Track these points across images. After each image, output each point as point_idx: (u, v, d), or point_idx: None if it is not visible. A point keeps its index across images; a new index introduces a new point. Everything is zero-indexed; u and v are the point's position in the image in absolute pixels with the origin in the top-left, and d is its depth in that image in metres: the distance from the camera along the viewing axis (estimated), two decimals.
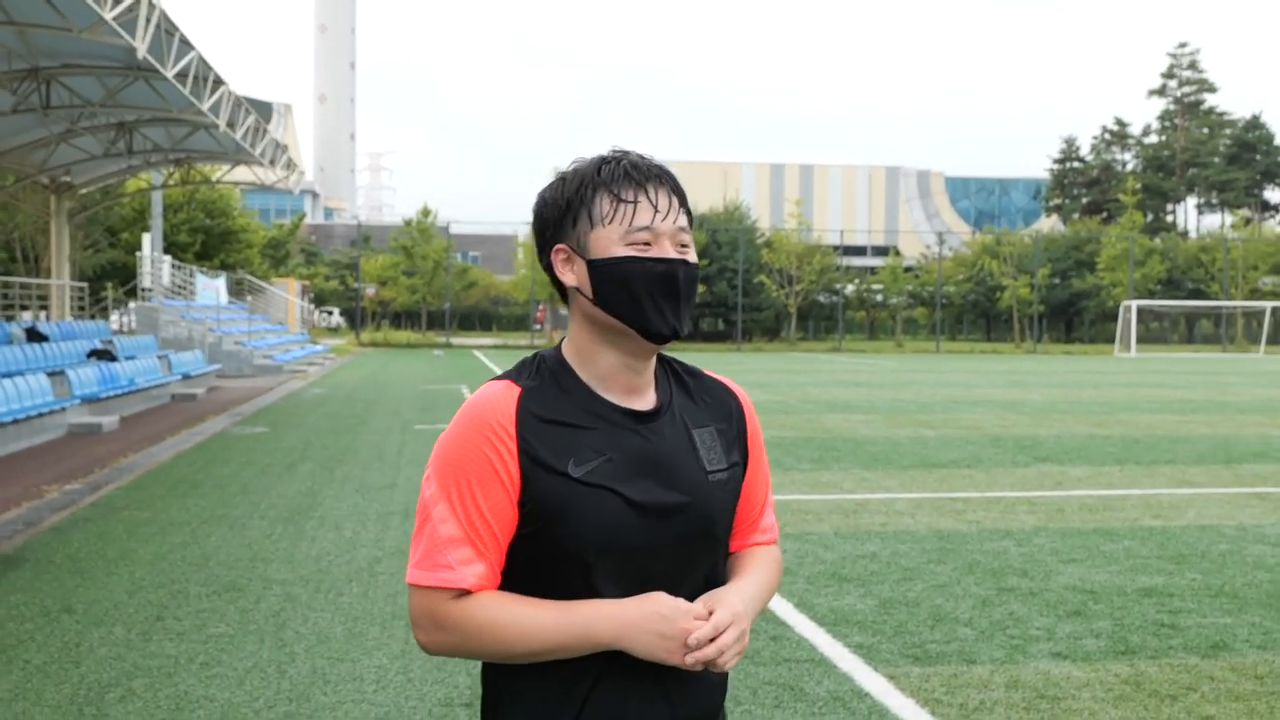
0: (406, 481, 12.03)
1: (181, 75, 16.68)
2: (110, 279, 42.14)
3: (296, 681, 5.56)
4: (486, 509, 1.85)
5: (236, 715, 5.11)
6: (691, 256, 1.93)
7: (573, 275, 1.93)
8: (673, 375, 2.05)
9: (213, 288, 39.68)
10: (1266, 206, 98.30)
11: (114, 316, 39.42)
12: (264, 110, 26.40)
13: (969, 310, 78.38)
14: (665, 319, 1.89)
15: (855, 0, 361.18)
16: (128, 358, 21.75)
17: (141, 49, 13.83)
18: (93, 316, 34.76)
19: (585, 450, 1.87)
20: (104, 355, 21.03)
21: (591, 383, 1.94)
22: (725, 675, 2.03)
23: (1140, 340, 65.25)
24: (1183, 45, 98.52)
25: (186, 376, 24.05)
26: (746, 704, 5.24)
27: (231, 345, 32.60)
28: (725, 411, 2.07)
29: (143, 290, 35.64)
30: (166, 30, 15.28)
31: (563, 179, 1.95)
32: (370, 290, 68.38)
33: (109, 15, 13.18)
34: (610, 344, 1.94)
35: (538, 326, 68.01)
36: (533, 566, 1.89)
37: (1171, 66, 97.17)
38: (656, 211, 1.90)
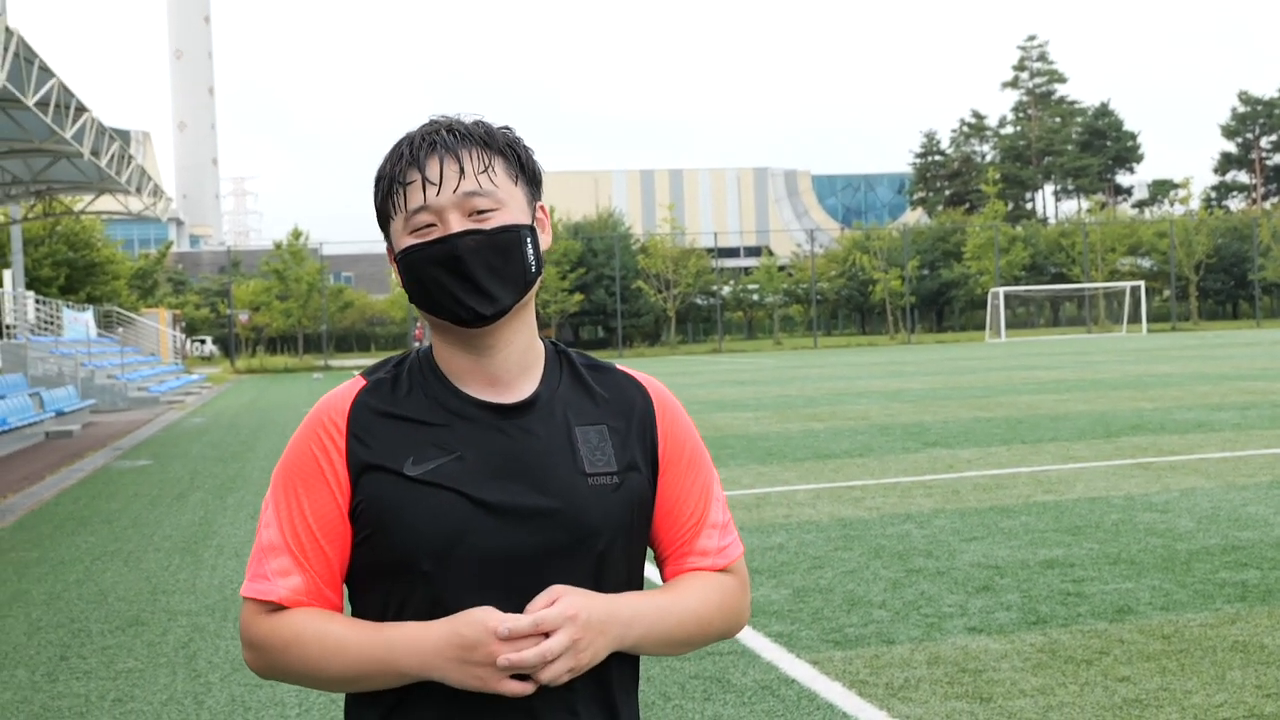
0: None
1: (42, 104, 16.20)
2: None
3: (216, 711, 5.44)
4: (310, 515, 1.67)
5: None
6: (490, 221, 1.67)
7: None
8: (568, 368, 1.81)
9: (81, 322, 38.56)
10: (1119, 190, 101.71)
11: None
12: (122, 139, 25.74)
13: (843, 305, 79.82)
14: (460, 303, 1.66)
15: (716, 6, 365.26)
16: None
17: (0, 77, 13.37)
18: None
19: (428, 447, 1.67)
20: None
21: (451, 376, 1.73)
22: (612, 702, 1.72)
23: (1009, 325, 67.01)
24: (1032, 38, 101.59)
25: (60, 413, 23.27)
26: (676, 699, 5.26)
27: (104, 379, 31.67)
28: (625, 408, 1.78)
29: (6, 328, 34.48)
30: (25, 58, 14.80)
31: (378, 172, 1.75)
32: (243, 316, 67.03)
33: None
34: (445, 335, 1.74)
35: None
36: (372, 582, 1.70)
37: (1022, 59, 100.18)
38: (430, 185, 1.66)
